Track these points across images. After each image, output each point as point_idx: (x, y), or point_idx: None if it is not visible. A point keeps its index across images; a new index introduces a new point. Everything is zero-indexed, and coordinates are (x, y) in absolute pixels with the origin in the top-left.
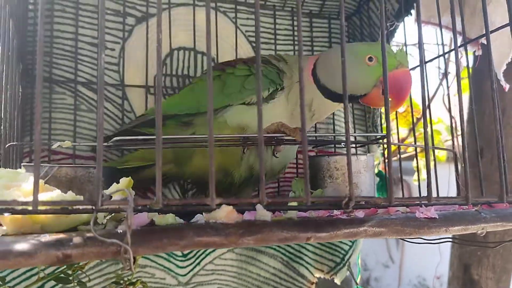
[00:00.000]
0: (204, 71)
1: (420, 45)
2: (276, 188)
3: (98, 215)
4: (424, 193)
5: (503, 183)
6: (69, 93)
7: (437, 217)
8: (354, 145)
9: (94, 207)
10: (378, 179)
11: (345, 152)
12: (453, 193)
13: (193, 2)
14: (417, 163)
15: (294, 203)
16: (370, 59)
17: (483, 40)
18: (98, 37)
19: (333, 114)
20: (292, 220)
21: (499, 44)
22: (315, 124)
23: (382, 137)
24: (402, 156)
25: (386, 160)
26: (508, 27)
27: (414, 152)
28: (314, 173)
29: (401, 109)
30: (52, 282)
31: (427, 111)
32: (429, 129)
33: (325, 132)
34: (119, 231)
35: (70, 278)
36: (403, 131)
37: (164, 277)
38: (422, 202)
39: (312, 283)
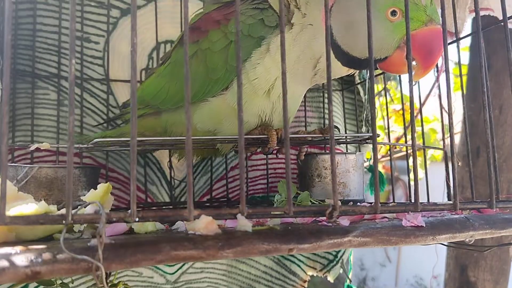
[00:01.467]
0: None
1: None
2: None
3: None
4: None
5: (492, 190)
6: (53, 88)
7: (424, 225)
8: (344, 143)
9: (64, 221)
10: (370, 174)
11: (336, 151)
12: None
13: None
14: (409, 162)
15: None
16: (394, 13)
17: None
18: (81, 30)
19: (323, 107)
20: (274, 230)
21: None
22: (305, 117)
23: (370, 138)
24: (399, 155)
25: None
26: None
27: (422, 146)
28: (303, 172)
29: (397, 107)
30: (35, 283)
31: (413, 111)
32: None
33: (317, 125)
34: (90, 245)
35: (53, 279)
36: (399, 129)
37: (152, 276)
38: (409, 209)
39: (305, 281)
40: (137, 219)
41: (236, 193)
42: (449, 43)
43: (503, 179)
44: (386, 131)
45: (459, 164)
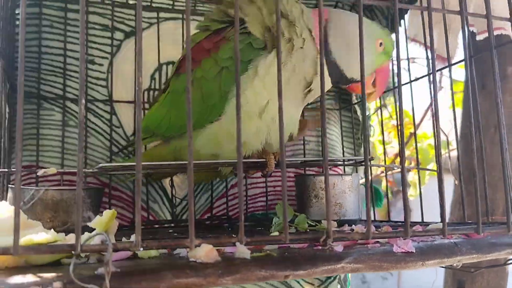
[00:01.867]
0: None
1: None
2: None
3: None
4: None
5: (479, 215)
6: (58, 109)
7: (414, 251)
8: (340, 165)
9: (73, 252)
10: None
11: (332, 172)
12: (447, 207)
13: (182, 16)
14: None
15: (275, 233)
16: (380, 44)
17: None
18: (82, 52)
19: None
20: (271, 257)
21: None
22: (304, 137)
23: (361, 162)
24: (396, 171)
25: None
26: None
27: (413, 167)
28: (300, 193)
29: (395, 122)
30: None
31: (403, 140)
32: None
33: (315, 144)
34: (98, 273)
35: None
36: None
37: None
38: (400, 235)
39: None
40: (141, 249)
41: (236, 211)
42: (442, 68)
43: (499, 197)
44: (384, 147)
45: (456, 182)
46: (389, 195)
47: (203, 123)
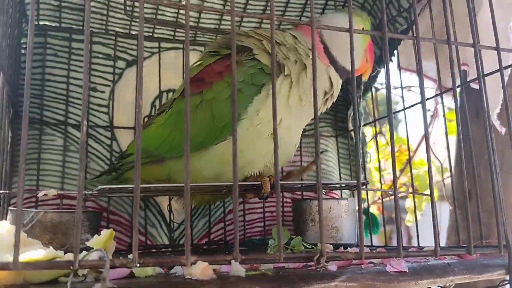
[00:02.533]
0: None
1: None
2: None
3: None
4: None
5: (470, 237)
6: (59, 135)
7: (407, 271)
8: (334, 189)
9: (71, 267)
10: (365, 217)
11: (328, 196)
12: (443, 232)
13: (182, 46)
14: (405, 204)
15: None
16: (363, 29)
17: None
18: (84, 80)
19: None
20: (266, 276)
21: (491, 90)
22: (301, 161)
23: (354, 185)
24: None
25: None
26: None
27: (407, 192)
28: (297, 217)
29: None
30: None
31: (395, 160)
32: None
33: (312, 171)
34: None
35: None
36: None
37: None
38: (392, 256)
39: None
40: (138, 265)
41: (233, 235)
42: (435, 96)
43: (494, 222)
44: (382, 172)
45: (450, 208)
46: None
47: (210, 143)
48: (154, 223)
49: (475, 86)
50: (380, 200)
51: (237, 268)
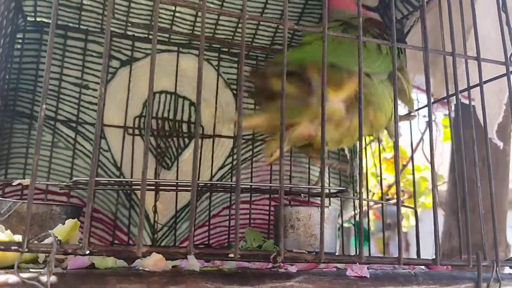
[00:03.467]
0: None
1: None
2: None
3: (39, 254)
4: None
5: (437, 246)
6: (48, 130)
7: (368, 276)
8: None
9: (20, 249)
10: (357, 229)
11: (313, 203)
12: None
13: (177, 49)
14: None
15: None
16: None
17: (464, 100)
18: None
19: (309, 161)
20: (220, 272)
21: (487, 106)
22: (290, 172)
23: (340, 191)
24: (392, 202)
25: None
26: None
27: (402, 198)
28: (278, 223)
29: (388, 155)
30: None
31: (381, 170)
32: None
33: (298, 180)
34: (43, 272)
35: None
36: (391, 177)
37: None
38: (353, 260)
39: None
40: (87, 252)
41: (216, 240)
42: (424, 107)
43: (489, 229)
44: (379, 178)
45: (443, 214)
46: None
47: None
48: (137, 223)
49: (464, 100)
50: (375, 206)
51: (193, 263)
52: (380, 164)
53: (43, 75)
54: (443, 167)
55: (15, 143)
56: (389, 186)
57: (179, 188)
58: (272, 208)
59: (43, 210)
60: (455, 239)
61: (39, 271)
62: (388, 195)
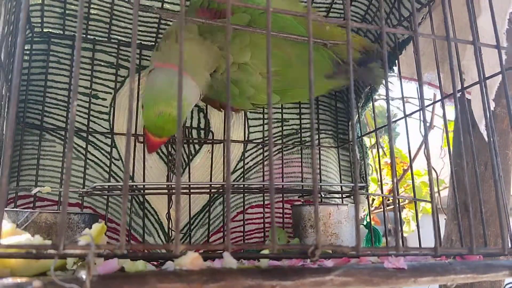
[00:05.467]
0: None
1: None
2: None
3: (68, 260)
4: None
5: (472, 236)
6: (59, 141)
7: (406, 268)
8: (340, 195)
9: (56, 251)
10: (366, 230)
11: (328, 202)
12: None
13: None
14: (401, 214)
15: (266, 251)
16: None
17: (467, 96)
18: (72, 84)
19: (320, 163)
20: (258, 268)
21: (479, 100)
22: (302, 173)
23: (362, 187)
24: (391, 207)
25: (366, 210)
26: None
27: (403, 203)
28: (297, 223)
29: (389, 160)
30: None
31: (394, 164)
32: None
33: (312, 181)
34: (79, 276)
35: None
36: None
37: None
38: (391, 252)
39: None
40: (125, 251)
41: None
42: (436, 102)
43: (490, 233)
44: (379, 183)
45: (445, 218)
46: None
47: None
48: (151, 232)
49: (468, 96)
50: (376, 211)
51: (229, 260)
52: (380, 169)
53: (51, 86)
54: (444, 172)
55: (25, 155)
56: (390, 191)
57: (207, 189)
58: (286, 210)
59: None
60: (456, 244)
61: (75, 275)
62: (388, 200)
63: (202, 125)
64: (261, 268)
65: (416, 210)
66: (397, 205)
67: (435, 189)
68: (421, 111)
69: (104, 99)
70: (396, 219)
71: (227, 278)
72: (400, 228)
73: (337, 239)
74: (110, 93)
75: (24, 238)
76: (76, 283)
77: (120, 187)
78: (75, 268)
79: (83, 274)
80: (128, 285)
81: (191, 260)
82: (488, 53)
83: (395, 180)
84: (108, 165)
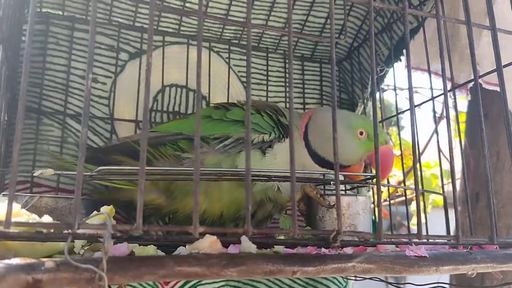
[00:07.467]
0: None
1: (410, 90)
2: None
3: (75, 244)
4: None
5: (493, 225)
6: (57, 125)
7: (428, 256)
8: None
9: (70, 231)
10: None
11: (344, 193)
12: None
13: (187, 41)
14: (409, 208)
15: (281, 237)
16: (361, 133)
17: (485, 86)
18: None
19: None
20: (278, 254)
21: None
22: None
23: (372, 177)
24: (400, 200)
25: (375, 200)
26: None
27: (411, 196)
28: (313, 213)
29: (397, 152)
30: None
31: (416, 154)
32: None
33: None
34: (95, 257)
35: None
36: (399, 174)
37: None
38: (412, 239)
39: None
40: (142, 232)
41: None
42: (448, 91)
43: (502, 224)
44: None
45: (459, 208)
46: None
47: None
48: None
49: (486, 86)
50: (384, 203)
51: (247, 245)
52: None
53: (50, 68)
54: (455, 163)
55: (23, 140)
56: (398, 183)
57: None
58: None
59: (62, 204)
60: (467, 235)
61: (89, 256)
62: (397, 192)
63: None
64: (281, 254)
65: (424, 202)
66: (417, 196)
67: (446, 181)
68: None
69: (104, 83)
70: (418, 209)
71: (247, 262)
72: (420, 216)
73: (355, 230)
74: (110, 77)
75: (32, 218)
76: (91, 263)
77: (126, 171)
78: (83, 252)
79: (98, 255)
80: (145, 267)
81: (209, 243)
82: (503, 41)
83: (417, 172)
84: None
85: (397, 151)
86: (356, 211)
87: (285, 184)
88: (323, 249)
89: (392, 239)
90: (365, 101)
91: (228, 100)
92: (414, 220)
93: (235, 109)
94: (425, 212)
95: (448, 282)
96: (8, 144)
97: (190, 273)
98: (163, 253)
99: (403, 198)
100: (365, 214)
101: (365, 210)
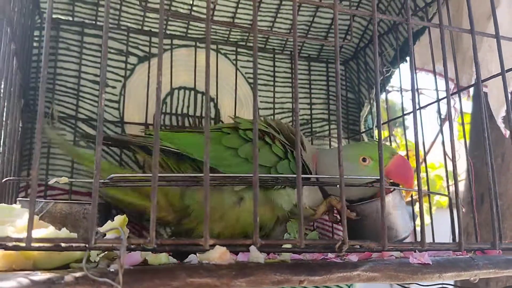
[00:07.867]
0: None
1: (413, 91)
2: None
3: (91, 252)
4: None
5: (495, 230)
6: (69, 129)
7: (431, 263)
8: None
9: (87, 245)
10: None
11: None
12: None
13: (194, 44)
14: (415, 208)
15: (288, 245)
16: (364, 159)
17: (485, 89)
18: (100, 75)
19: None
20: (285, 263)
21: (496, 92)
22: None
23: (376, 180)
24: (406, 200)
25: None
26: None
27: (415, 197)
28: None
29: (402, 153)
30: None
31: (417, 153)
32: (423, 174)
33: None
34: (111, 270)
35: None
36: None
37: None
38: (416, 247)
39: None
40: (155, 245)
41: None
42: (452, 94)
43: (507, 226)
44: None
45: (463, 210)
46: None
47: None
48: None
49: (485, 89)
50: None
51: (256, 255)
52: None
53: (61, 73)
54: (460, 164)
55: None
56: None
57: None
58: None
59: (76, 210)
60: (472, 237)
61: (105, 268)
62: (403, 193)
63: (212, 115)
64: (288, 263)
65: (430, 203)
66: (421, 199)
67: (451, 182)
68: (438, 102)
69: (114, 87)
70: (421, 216)
71: (255, 273)
72: (423, 224)
73: (391, 231)
74: (120, 81)
75: (50, 231)
76: (108, 277)
77: (138, 178)
78: (99, 260)
79: (114, 268)
80: (159, 279)
81: (219, 254)
82: (504, 46)
83: (420, 174)
84: (119, 154)
85: (402, 152)
86: (387, 212)
87: (305, 198)
88: (329, 255)
89: (396, 247)
90: (371, 101)
91: (235, 102)
92: (418, 221)
93: (245, 146)
94: (430, 213)
95: (452, 283)
96: (22, 149)
97: (201, 283)
98: (174, 260)
99: (409, 199)
100: (397, 211)
101: (395, 207)
